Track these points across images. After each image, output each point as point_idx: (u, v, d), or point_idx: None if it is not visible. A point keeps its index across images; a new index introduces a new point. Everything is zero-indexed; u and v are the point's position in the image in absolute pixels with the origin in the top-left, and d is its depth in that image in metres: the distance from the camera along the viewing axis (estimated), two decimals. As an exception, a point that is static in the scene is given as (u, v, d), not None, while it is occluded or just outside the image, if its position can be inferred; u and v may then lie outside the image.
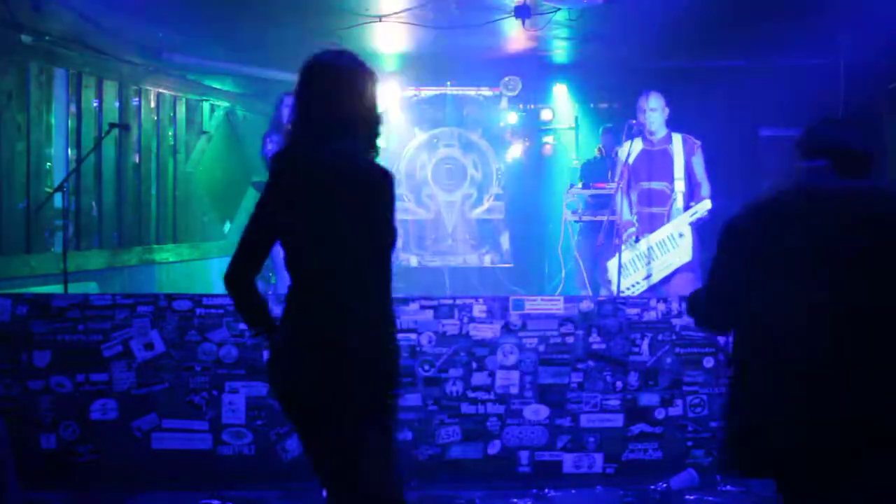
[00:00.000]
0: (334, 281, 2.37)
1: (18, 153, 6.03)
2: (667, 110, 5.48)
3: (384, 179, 2.40)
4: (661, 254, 5.35)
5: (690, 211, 5.32)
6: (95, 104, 6.93)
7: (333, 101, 2.42)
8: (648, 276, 5.37)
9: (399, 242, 8.69)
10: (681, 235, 5.32)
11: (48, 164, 6.43)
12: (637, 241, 5.40)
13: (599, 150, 8.10)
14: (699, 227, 5.38)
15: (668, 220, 5.41)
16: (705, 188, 5.40)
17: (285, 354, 2.41)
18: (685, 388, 4.28)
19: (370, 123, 2.47)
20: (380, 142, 2.53)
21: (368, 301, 2.36)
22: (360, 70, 2.47)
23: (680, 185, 5.41)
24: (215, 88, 8.64)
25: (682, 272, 5.33)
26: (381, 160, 2.51)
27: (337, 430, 2.36)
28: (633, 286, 5.40)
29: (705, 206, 5.29)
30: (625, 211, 5.50)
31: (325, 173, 2.39)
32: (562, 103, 9.13)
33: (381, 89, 2.52)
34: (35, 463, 4.05)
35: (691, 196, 5.42)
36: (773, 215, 2.33)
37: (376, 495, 2.36)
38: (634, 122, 5.46)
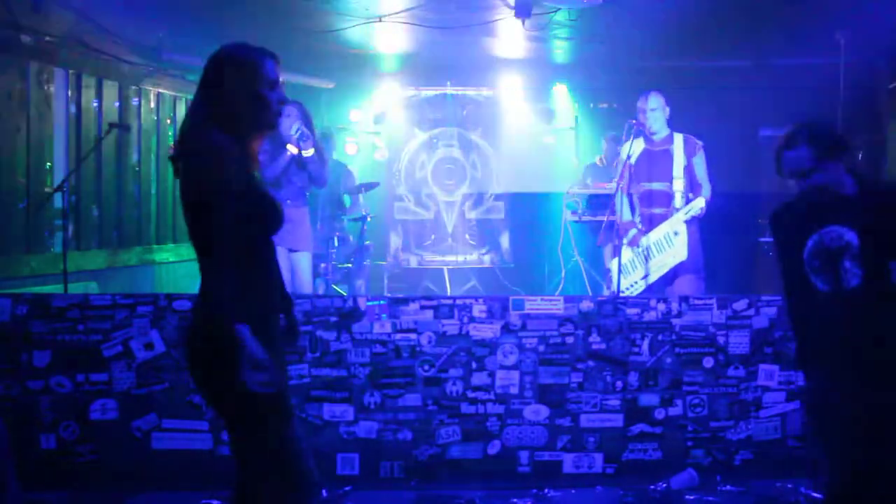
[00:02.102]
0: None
1: (18, 153, 6.03)
2: (667, 109, 5.47)
3: (197, 153, 2.38)
4: (657, 252, 5.35)
5: (685, 209, 5.31)
6: (95, 104, 6.93)
7: (198, 95, 2.56)
8: (646, 276, 5.37)
9: (398, 242, 8.82)
10: (676, 234, 5.32)
11: (48, 164, 6.43)
12: (637, 244, 5.39)
13: (601, 159, 8.02)
14: (699, 227, 5.37)
15: (669, 220, 5.41)
16: (706, 189, 5.37)
17: None
18: (685, 388, 4.27)
19: (230, 111, 2.49)
20: (252, 126, 2.52)
21: (206, 286, 2.39)
22: (217, 61, 2.57)
23: (678, 185, 5.39)
24: (215, 88, 8.62)
25: (686, 274, 5.32)
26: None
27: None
28: (632, 286, 5.40)
29: (698, 204, 5.28)
30: (625, 211, 5.49)
31: (174, 162, 2.47)
32: (562, 103, 9.12)
33: (251, 74, 2.53)
34: (35, 463, 4.06)
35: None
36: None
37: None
38: (634, 121, 5.45)
